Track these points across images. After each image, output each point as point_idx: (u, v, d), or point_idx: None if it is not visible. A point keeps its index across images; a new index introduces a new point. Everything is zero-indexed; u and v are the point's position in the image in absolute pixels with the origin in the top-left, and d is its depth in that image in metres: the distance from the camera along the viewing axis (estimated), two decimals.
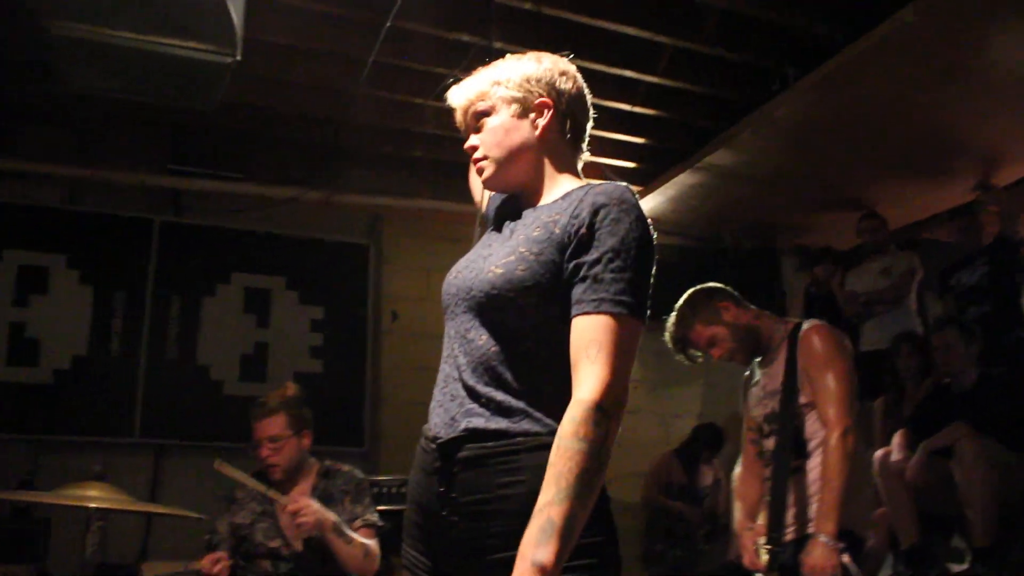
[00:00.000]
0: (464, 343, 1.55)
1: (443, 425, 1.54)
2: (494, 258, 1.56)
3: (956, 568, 4.00)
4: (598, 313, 1.42)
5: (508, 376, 1.50)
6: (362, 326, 5.57)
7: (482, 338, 1.52)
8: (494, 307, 1.51)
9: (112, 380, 4.92)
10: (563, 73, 1.69)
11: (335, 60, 4.49)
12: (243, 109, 4.90)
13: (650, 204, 5.75)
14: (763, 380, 2.93)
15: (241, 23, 3.14)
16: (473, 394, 1.51)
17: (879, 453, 4.20)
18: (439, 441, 1.52)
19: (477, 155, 1.70)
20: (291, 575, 3.02)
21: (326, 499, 3.14)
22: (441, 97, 5.06)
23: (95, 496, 2.43)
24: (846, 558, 2.56)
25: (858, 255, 5.89)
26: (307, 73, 4.57)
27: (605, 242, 1.45)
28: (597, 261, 1.45)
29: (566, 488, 1.32)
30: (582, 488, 1.33)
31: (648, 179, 5.66)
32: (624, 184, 1.55)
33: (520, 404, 1.48)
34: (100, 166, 5.05)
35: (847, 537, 2.64)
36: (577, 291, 1.46)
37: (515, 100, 1.65)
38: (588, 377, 1.39)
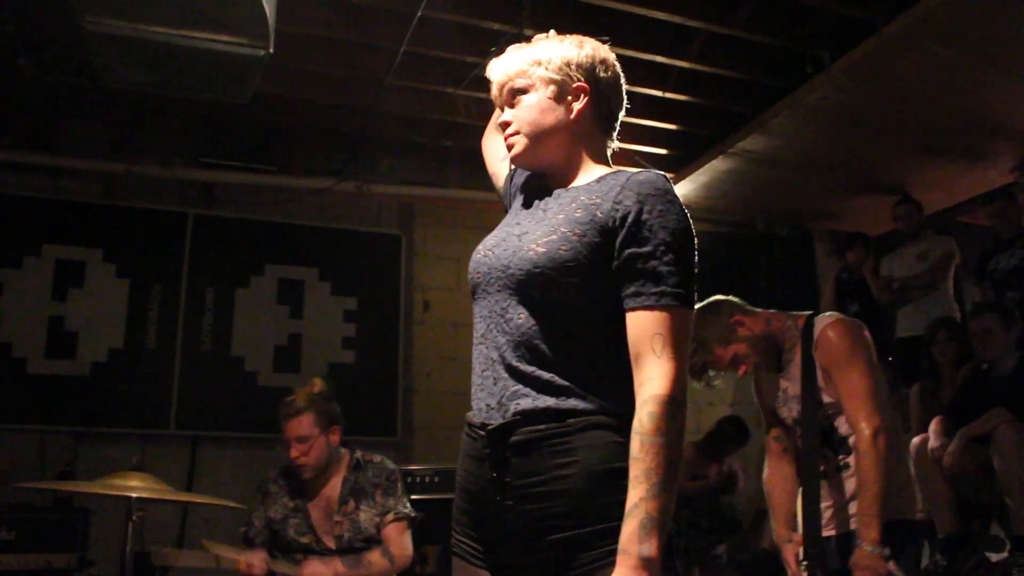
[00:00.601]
0: (502, 322, 1.55)
1: (490, 410, 1.54)
2: (532, 236, 1.57)
3: (995, 557, 3.95)
4: (658, 308, 1.46)
5: (550, 354, 1.50)
6: (394, 316, 5.59)
7: (521, 316, 1.53)
8: (535, 285, 1.52)
9: (148, 372, 4.98)
10: (603, 61, 1.70)
11: (365, 51, 4.50)
12: (275, 101, 4.93)
13: (682, 191, 5.71)
14: (783, 383, 2.82)
15: (273, 16, 3.16)
16: (517, 374, 1.51)
17: (916, 440, 4.15)
18: (490, 428, 1.52)
19: (509, 130, 1.70)
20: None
21: (357, 492, 3.16)
22: (472, 86, 5.08)
23: (135, 486, 2.47)
24: (892, 565, 2.50)
25: (894, 240, 5.83)
26: (338, 64, 4.59)
27: (657, 234, 1.48)
28: (652, 255, 1.47)
29: (657, 483, 1.37)
30: (669, 480, 1.39)
31: (680, 165, 5.62)
32: (660, 172, 1.57)
33: (565, 382, 1.49)
34: (135, 160, 5.10)
35: (904, 528, 2.60)
36: (634, 283, 1.48)
37: (553, 82, 1.66)
38: (657, 371, 1.43)
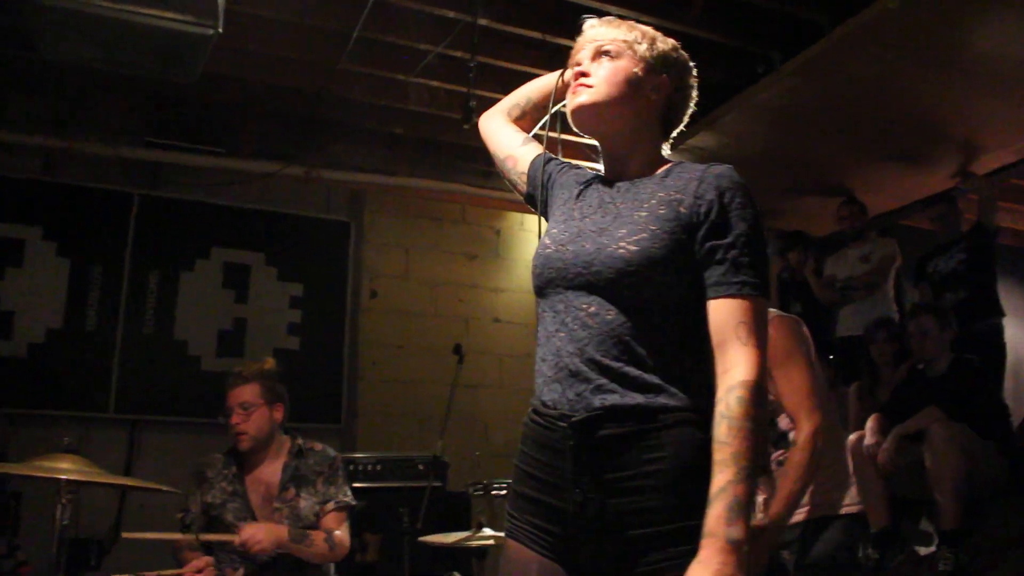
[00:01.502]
0: (585, 317, 1.53)
1: (569, 402, 1.52)
2: (616, 234, 1.56)
3: (923, 551, 4.06)
4: (741, 296, 1.49)
5: (641, 351, 1.50)
6: (341, 303, 5.56)
7: (611, 313, 1.52)
8: (628, 284, 1.51)
9: (87, 354, 4.88)
10: (690, 73, 1.76)
11: (318, 34, 4.46)
12: (225, 82, 4.86)
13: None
14: None
15: None
16: (601, 368, 1.50)
17: (853, 437, 4.23)
18: (574, 420, 1.50)
19: (584, 80, 1.68)
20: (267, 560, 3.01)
21: (297, 480, 3.14)
22: (425, 74, 5.03)
23: (65, 468, 2.41)
24: (786, 554, 2.55)
25: (838, 240, 5.93)
26: (290, 46, 4.54)
27: (737, 226, 1.52)
28: (732, 245, 1.50)
29: (745, 467, 1.38)
30: (754, 464, 1.40)
31: None
32: (730, 165, 1.61)
33: (654, 379, 1.49)
34: (78, 137, 4.99)
35: (841, 523, 2.66)
36: (715, 272, 1.51)
37: (645, 62, 1.68)
38: (743, 358, 1.45)
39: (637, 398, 1.48)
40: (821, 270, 5.87)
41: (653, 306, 1.52)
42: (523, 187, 1.88)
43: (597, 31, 1.73)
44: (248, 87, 5.01)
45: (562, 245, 1.61)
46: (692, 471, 1.44)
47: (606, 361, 1.50)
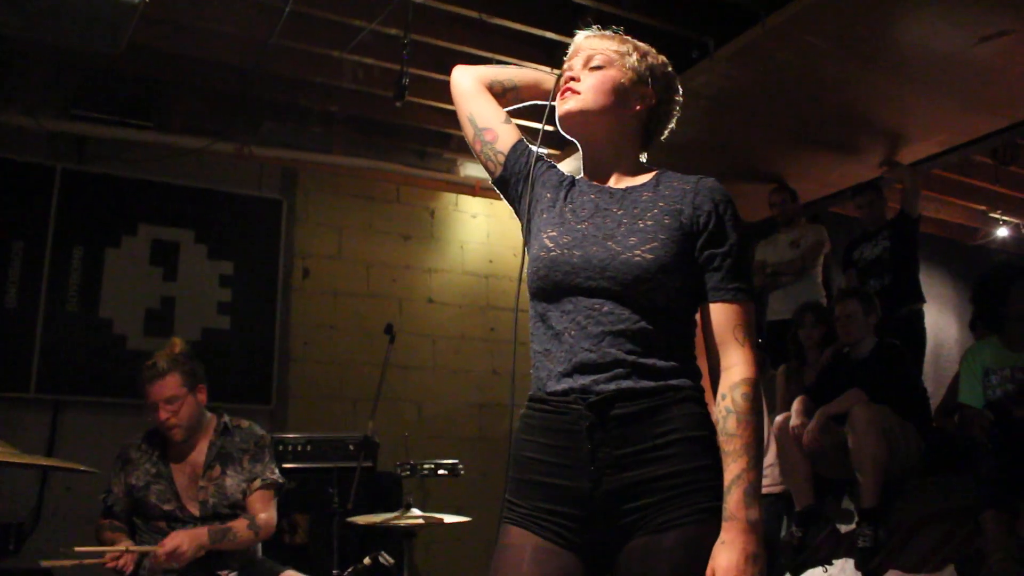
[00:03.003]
0: (599, 316, 1.63)
1: (584, 387, 1.62)
2: (625, 241, 1.65)
3: (844, 528, 4.18)
4: (736, 302, 1.66)
5: (651, 345, 1.63)
6: (272, 283, 5.47)
7: (624, 312, 1.63)
8: (643, 291, 1.63)
9: (8, 333, 4.73)
10: (676, 90, 1.89)
11: (250, 8, 4.36)
12: (152, 54, 4.73)
13: (567, 169, 5.75)
14: None
15: None
16: (617, 361, 1.61)
17: (779, 419, 4.33)
18: (590, 400, 1.60)
19: (574, 85, 1.78)
20: None
21: (223, 458, 3.11)
22: (358, 51, 4.97)
23: None
24: None
25: (768, 227, 6.03)
26: (219, 19, 4.42)
27: (730, 236, 1.68)
28: (728, 254, 1.67)
29: (755, 456, 1.57)
30: (761, 453, 1.61)
31: (564, 144, 5.66)
32: (714, 179, 1.75)
33: (665, 368, 1.63)
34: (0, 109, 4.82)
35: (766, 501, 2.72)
36: (713, 278, 1.67)
37: (635, 73, 1.80)
38: (741, 358, 1.63)
39: (648, 384, 1.61)
40: (752, 255, 5.97)
41: (660, 306, 1.65)
42: (495, 167, 1.90)
43: (591, 41, 1.83)
44: (178, 61, 4.88)
45: (567, 249, 1.69)
46: (697, 440, 1.60)
47: (621, 355, 1.62)
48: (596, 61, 1.79)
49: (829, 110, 5.02)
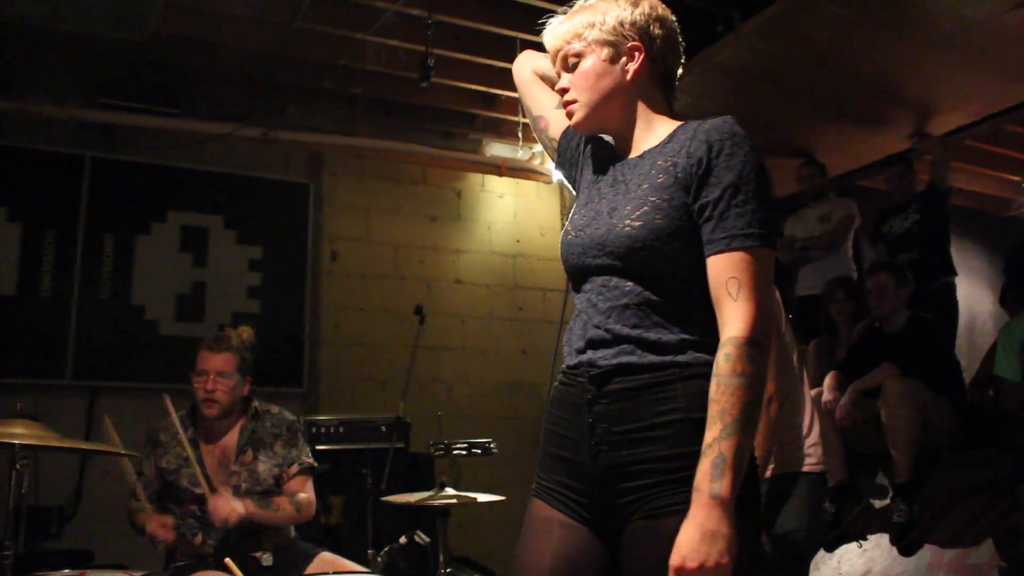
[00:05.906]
0: (605, 291, 1.59)
1: (590, 361, 1.58)
2: (622, 212, 1.59)
3: (878, 503, 4.15)
4: (730, 250, 1.48)
5: (659, 317, 1.54)
6: (301, 266, 5.51)
7: (627, 285, 1.56)
8: (639, 260, 1.55)
9: (43, 321, 4.80)
10: (658, 19, 1.70)
11: None
12: (177, 41, 4.75)
13: None
14: None
15: None
16: (622, 336, 1.55)
17: (811, 394, 4.29)
18: (592, 374, 1.56)
19: (567, 97, 1.71)
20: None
21: (255, 443, 3.14)
22: (381, 32, 4.97)
23: (19, 433, 2.37)
24: None
25: (797, 201, 5.97)
26: (243, 4, 4.43)
27: (724, 178, 1.51)
28: (719, 199, 1.50)
29: (732, 423, 1.40)
30: (746, 421, 1.41)
31: None
32: (730, 117, 1.59)
33: (673, 340, 1.53)
34: (28, 99, 4.86)
35: (793, 480, 2.74)
36: (706, 230, 1.51)
37: (608, 43, 1.67)
38: (734, 315, 1.46)
39: (652, 358, 1.52)
40: (781, 230, 5.92)
41: (665, 274, 1.55)
42: (552, 153, 1.93)
43: (555, 34, 1.73)
44: (203, 47, 4.90)
45: (580, 230, 1.66)
46: (699, 423, 1.46)
47: (626, 330, 1.55)
48: (571, 60, 1.70)
49: (857, 82, 4.95)
